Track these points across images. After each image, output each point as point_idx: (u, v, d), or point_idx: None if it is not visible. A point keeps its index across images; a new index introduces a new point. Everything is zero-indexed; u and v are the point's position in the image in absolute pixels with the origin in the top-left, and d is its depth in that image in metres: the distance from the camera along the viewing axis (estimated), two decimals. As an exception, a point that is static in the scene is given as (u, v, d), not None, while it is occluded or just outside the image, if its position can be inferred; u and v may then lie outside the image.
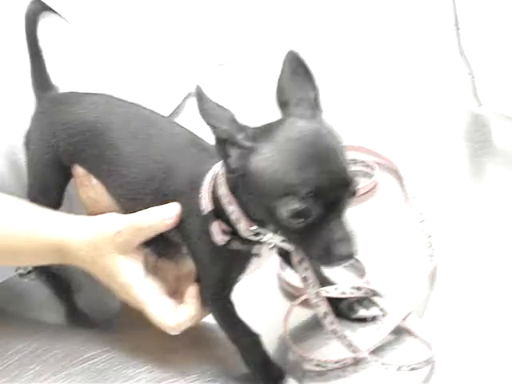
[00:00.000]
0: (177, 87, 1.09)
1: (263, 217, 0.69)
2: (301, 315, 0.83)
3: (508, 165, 1.10)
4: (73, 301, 0.93)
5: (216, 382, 0.77)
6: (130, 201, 0.80)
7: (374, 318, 0.82)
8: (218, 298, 0.76)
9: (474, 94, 1.58)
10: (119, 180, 0.81)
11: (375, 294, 0.84)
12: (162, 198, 0.76)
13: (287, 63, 0.71)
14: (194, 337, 0.82)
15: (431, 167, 1.10)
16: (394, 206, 1.02)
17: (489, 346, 0.79)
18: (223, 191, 0.71)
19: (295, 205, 0.64)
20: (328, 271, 0.83)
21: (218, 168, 0.73)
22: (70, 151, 0.85)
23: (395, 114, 1.24)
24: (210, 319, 0.78)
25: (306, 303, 0.83)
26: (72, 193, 0.88)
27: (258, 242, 0.73)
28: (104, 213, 0.80)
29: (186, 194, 0.75)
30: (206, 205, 0.73)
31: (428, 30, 1.64)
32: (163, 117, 0.85)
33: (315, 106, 0.70)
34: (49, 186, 0.88)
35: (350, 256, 0.66)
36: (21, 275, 0.94)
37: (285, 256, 0.81)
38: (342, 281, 0.84)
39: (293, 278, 0.85)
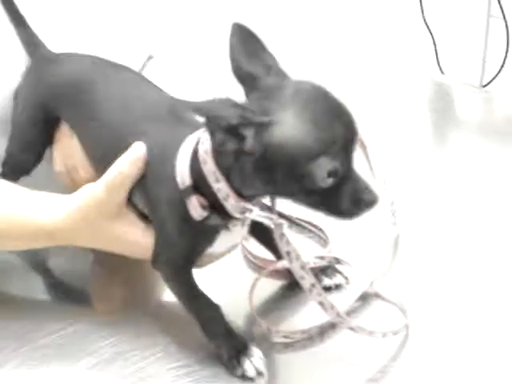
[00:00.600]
0: (138, 49, 1.08)
1: (286, 188, 0.68)
2: (265, 287, 0.83)
3: (470, 132, 1.11)
4: (35, 274, 0.92)
5: (180, 354, 0.76)
6: (105, 165, 0.78)
7: (337, 287, 0.82)
8: (180, 271, 0.75)
9: (436, 62, 1.59)
10: (96, 141, 0.81)
11: (339, 262, 0.85)
12: None
13: (235, 36, 0.70)
14: (158, 310, 0.82)
15: (394, 136, 1.10)
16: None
17: (452, 311, 0.80)
18: (209, 168, 0.70)
19: (332, 163, 0.65)
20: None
21: (196, 143, 0.71)
22: (55, 108, 0.86)
23: (359, 83, 1.24)
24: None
25: (270, 275, 0.83)
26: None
27: (236, 218, 0.72)
28: (79, 184, 0.79)
29: (158, 163, 0.74)
30: (183, 178, 0.72)
31: (391, 0, 1.64)
32: (148, 81, 0.85)
33: (282, 70, 0.70)
34: (30, 143, 0.89)
35: (376, 201, 0.69)
36: None
37: (257, 234, 0.81)
38: (305, 251, 0.83)
39: (257, 249, 0.85)
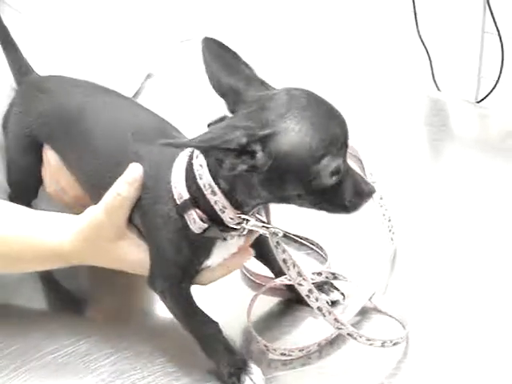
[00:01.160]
0: (137, 68, 1.08)
1: (294, 192, 0.69)
2: (263, 304, 0.83)
3: (465, 147, 1.11)
4: (34, 295, 0.92)
5: (179, 373, 0.76)
6: (101, 191, 0.78)
7: (334, 303, 0.83)
8: (177, 287, 0.75)
9: (432, 79, 1.60)
10: (89, 169, 0.81)
11: (336, 277, 0.85)
12: None
13: (207, 50, 0.71)
14: (157, 329, 0.82)
15: (391, 151, 1.11)
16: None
17: (451, 324, 0.80)
18: (205, 182, 0.70)
19: (335, 161, 0.68)
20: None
21: (189, 157, 0.72)
22: (44, 137, 0.86)
23: (356, 99, 1.24)
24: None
25: (268, 292, 0.83)
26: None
27: (234, 229, 0.73)
28: (70, 203, 0.81)
29: (153, 183, 0.75)
30: (179, 193, 0.72)
31: (387, 17, 1.65)
32: (138, 104, 0.85)
33: (262, 80, 0.71)
34: (27, 168, 0.89)
35: (374, 190, 0.72)
36: None
37: (255, 250, 0.81)
38: (303, 267, 0.84)
39: (255, 266, 0.85)
